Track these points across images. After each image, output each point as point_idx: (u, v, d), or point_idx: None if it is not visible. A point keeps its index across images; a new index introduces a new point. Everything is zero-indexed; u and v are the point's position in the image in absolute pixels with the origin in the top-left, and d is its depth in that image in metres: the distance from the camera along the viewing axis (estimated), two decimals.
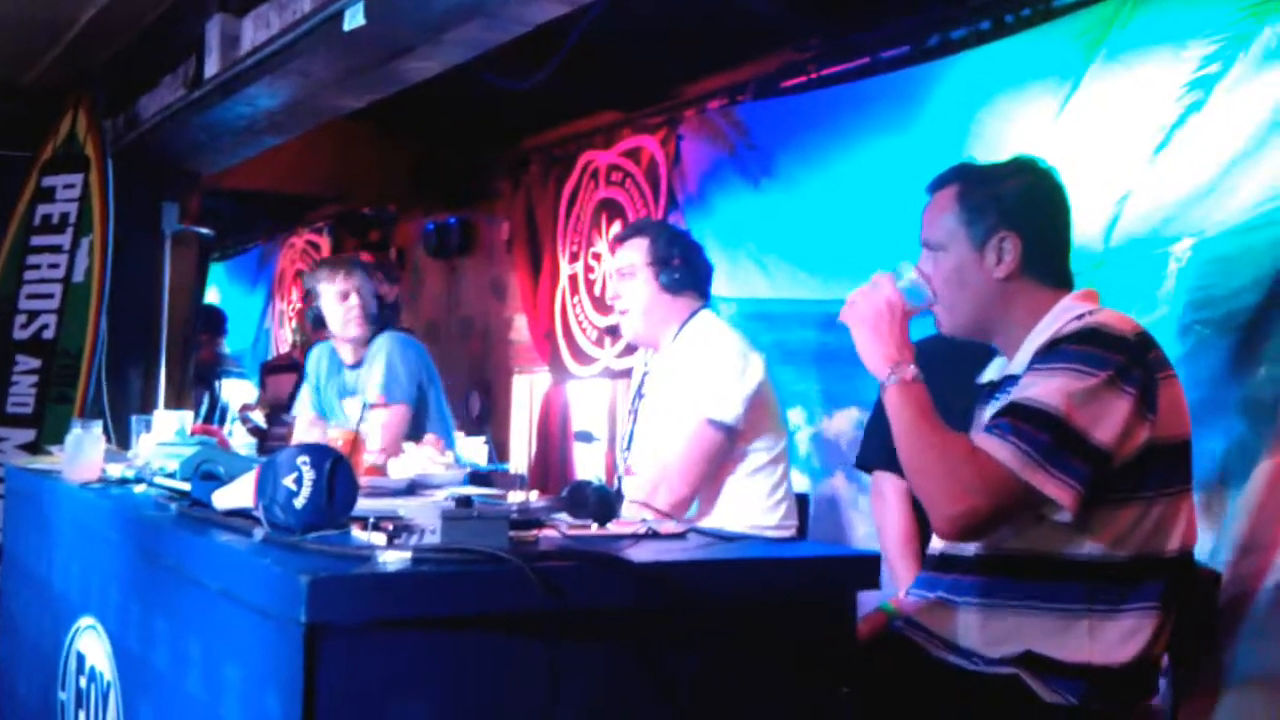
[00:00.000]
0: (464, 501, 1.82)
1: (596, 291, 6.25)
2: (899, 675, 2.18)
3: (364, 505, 2.01)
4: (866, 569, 1.97)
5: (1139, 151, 3.48)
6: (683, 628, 1.80)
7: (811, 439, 4.69)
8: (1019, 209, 2.16)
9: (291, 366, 6.56)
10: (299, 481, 1.83)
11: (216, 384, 7.55)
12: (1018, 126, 3.87)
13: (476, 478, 3.60)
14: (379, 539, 1.80)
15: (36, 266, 5.93)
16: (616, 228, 5.99)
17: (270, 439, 3.90)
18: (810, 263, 4.79)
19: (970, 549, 2.13)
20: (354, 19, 3.88)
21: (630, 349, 5.62)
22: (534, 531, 1.99)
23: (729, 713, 1.84)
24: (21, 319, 5.90)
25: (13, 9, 5.09)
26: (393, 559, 1.65)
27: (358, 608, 1.56)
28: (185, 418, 3.12)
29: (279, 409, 5.85)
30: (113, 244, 5.72)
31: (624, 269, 3.23)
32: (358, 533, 1.85)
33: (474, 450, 4.13)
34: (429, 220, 7.85)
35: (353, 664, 1.57)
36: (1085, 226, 3.34)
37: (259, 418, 4.76)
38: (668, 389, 3.17)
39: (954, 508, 1.98)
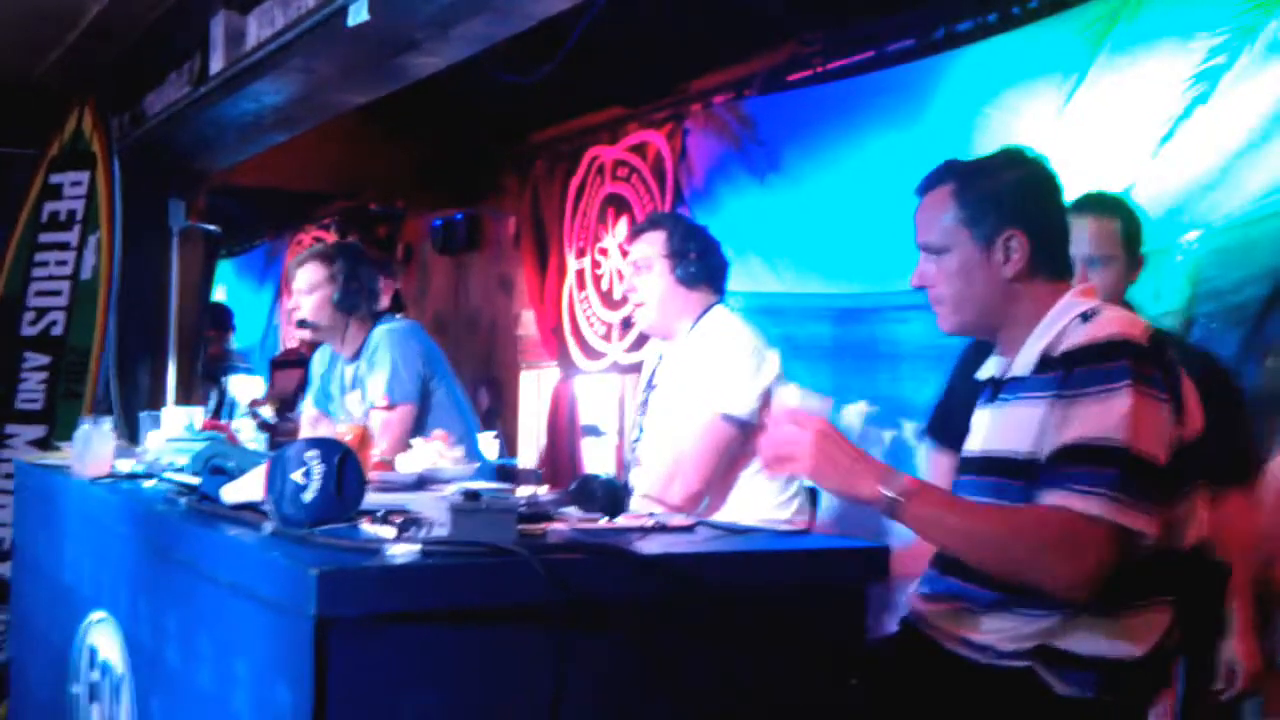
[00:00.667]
0: (472, 495, 1.82)
1: (604, 286, 6.26)
2: (910, 669, 2.17)
3: (373, 499, 2.02)
4: (876, 561, 1.98)
5: (1144, 144, 3.48)
6: (691, 620, 1.81)
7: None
8: (1021, 204, 2.12)
9: (299, 362, 6.56)
10: (308, 475, 1.84)
11: (225, 379, 7.58)
12: (1024, 119, 3.87)
13: (503, 473, 3.62)
14: (388, 532, 1.80)
15: (44, 264, 5.95)
16: (623, 223, 6.00)
17: (279, 434, 3.89)
18: (817, 257, 4.79)
19: None
20: (358, 14, 3.88)
21: (638, 344, 5.63)
22: (542, 525, 2.00)
23: (738, 704, 1.85)
24: (30, 316, 5.91)
25: (18, 6, 5.10)
26: (402, 552, 1.66)
27: (367, 600, 1.57)
28: (194, 413, 3.12)
29: (287, 404, 5.87)
30: (120, 241, 5.73)
31: (640, 261, 3.22)
32: (367, 526, 1.86)
33: (484, 445, 4.14)
34: (436, 216, 7.86)
35: (362, 656, 1.58)
36: None
37: (268, 413, 4.76)
38: (681, 383, 3.17)
39: (1068, 579, 1.93)
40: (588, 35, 4.75)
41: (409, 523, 1.84)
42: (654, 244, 3.23)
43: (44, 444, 5.43)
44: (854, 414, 4.53)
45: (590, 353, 6.39)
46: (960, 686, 2.09)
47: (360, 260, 4.13)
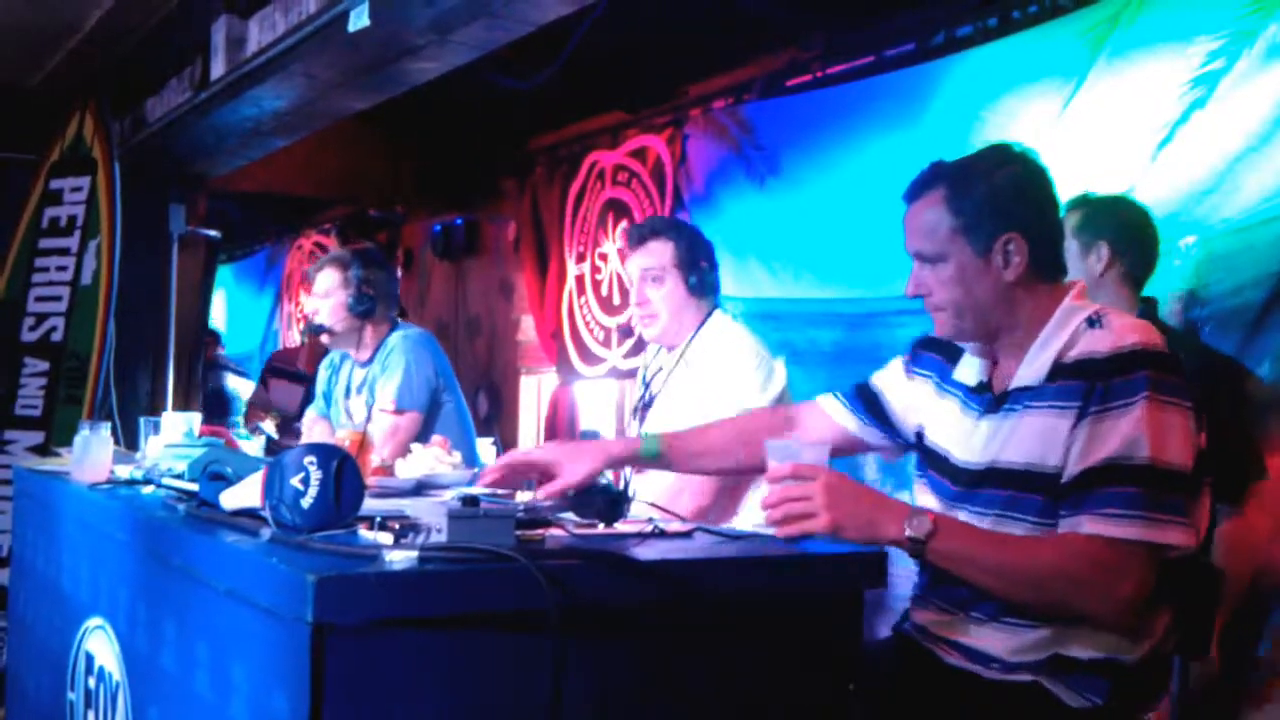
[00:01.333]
0: (470, 501, 1.82)
1: (603, 292, 6.26)
2: (910, 683, 2.14)
3: (371, 505, 2.01)
4: (872, 567, 1.97)
5: (1143, 148, 3.48)
6: (689, 626, 1.80)
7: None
8: (1017, 206, 2.06)
9: (296, 376, 6.53)
10: (306, 481, 1.84)
11: (223, 374, 7.66)
12: (1023, 123, 3.86)
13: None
14: (386, 538, 1.80)
15: (45, 269, 5.95)
16: (623, 228, 6.00)
17: (281, 448, 3.90)
18: (816, 262, 4.79)
19: None
20: (359, 20, 3.89)
21: (637, 349, 5.62)
22: (540, 531, 1.99)
23: (735, 710, 1.85)
24: (30, 321, 5.91)
25: (20, 12, 5.11)
26: (399, 558, 1.65)
27: (364, 607, 1.57)
28: (193, 419, 3.12)
29: (289, 419, 5.88)
30: (120, 246, 5.73)
31: (652, 271, 3.19)
32: (364, 532, 1.86)
33: (483, 451, 4.14)
34: (436, 221, 7.86)
35: (360, 663, 1.58)
36: None
37: (270, 428, 4.77)
38: (690, 393, 3.14)
39: (1112, 607, 1.92)
40: (587, 40, 4.76)
41: (407, 529, 1.84)
42: (664, 254, 3.20)
43: (43, 450, 5.43)
44: None
45: (589, 358, 6.39)
46: (965, 701, 2.05)
47: (375, 264, 4.15)
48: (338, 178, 7.85)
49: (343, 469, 1.86)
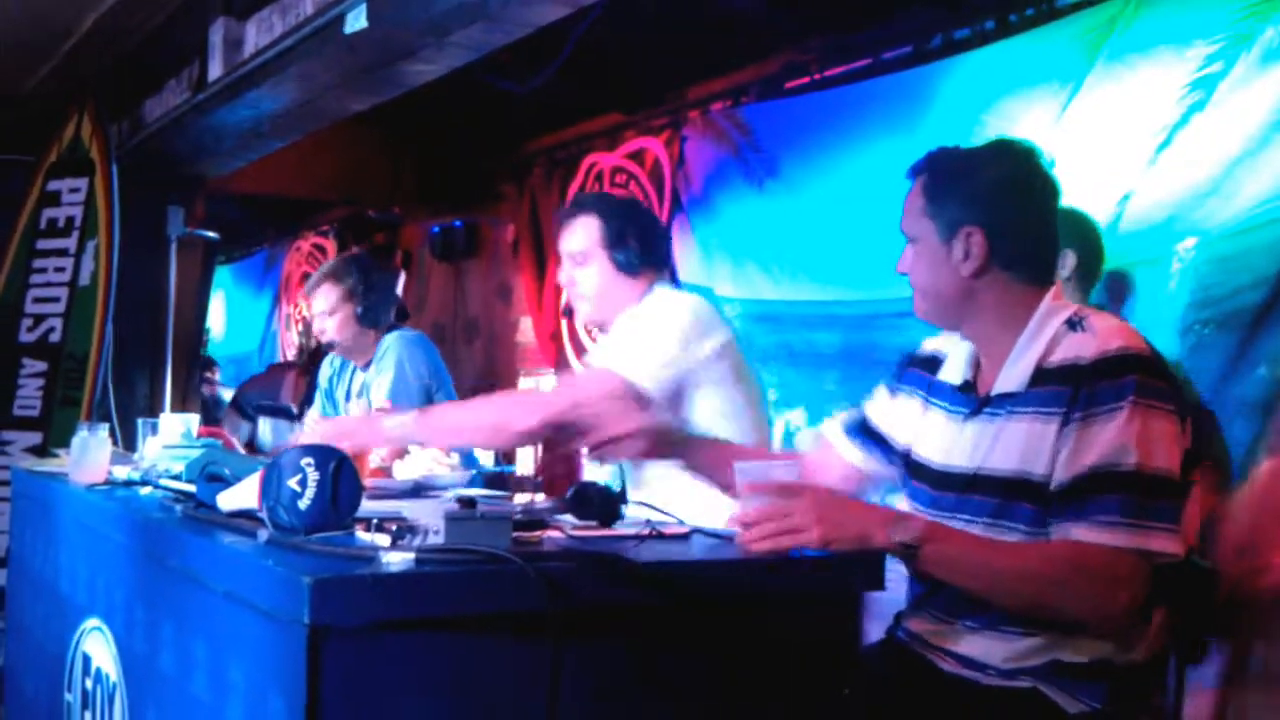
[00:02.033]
0: (467, 502, 1.82)
1: None
2: (905, 690, 2.12)
3: (368, 506, 2.01)
4: (870, 570, 1.97)
5: (1141, 151, 3.49)
6: (686, 628, 1.80)
7: (815, 439, 4.69)
8: (987, 201, 2.05)
9: (288, 413, 6.42)
10: (303, 483, 1.84)
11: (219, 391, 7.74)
12: (1021, 126, 3.87)
13: (491, 480, 3.59)
14: (383, 540, 1.80)
15: (43, 270, 5.95)
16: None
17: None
18: (815, 264, 4.80)
19: None
20: (356, 21, 3.89)
21: None
22: (538, 532, 1.99)
23: (731, 713, 1.85)
24: (28, 322, 5.91)
25: (17, 13, 5.11)
26: (396, 560, 1.65)
27: (361, 608, 1.57)
28: (191, 420, 3.12)
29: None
30: (118, 247, 5.73)
31: (575, 254, 2.99)
32: (362, 534, 1.86)
33: (480, 452, 4.14)
34: (434, 223, 7.87)
35: (357, 665, 1.58)
36: None
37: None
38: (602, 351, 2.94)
39: (1104, 613, 1.92)
40: (585, 42, 4.76)
41: (404, 530, 1.83)
42: (589, 233, 2.98)
43: (40, 451, 5.43)
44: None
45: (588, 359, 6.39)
46: (962, 707, 2.03)
47: (373, 270, 4.13)
48: (336, 179, 7.86)
49: (340, 470, 1.86)
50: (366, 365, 4.07)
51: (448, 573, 1.65)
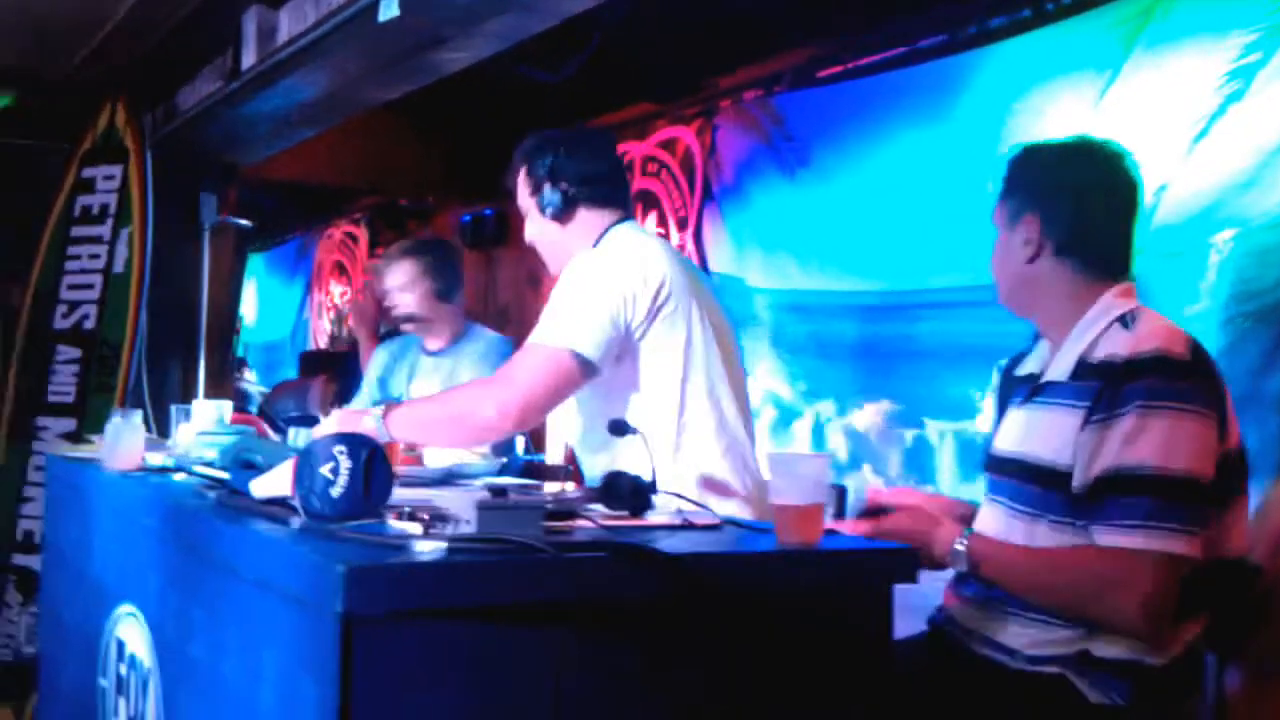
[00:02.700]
0: (499, 491, 1.82)
1: None
2: (939, 672, 2.15)
3: (399, 495, 2.02)
4: (903, 562, 1.96)
5: (1178, 142, 3.45)
6: (717, 620, 1.80)
7: (844, 430, 4.68)
8: (1045, 191, 2.12)
9: (314, 422, 6.44)
10: (336, 471, 1.84)
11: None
12: (1057, 116, 3.84)
13: (530, 469, 3.58)
14: (415, 528, 1.80)
15: (77, 257, 5.99)
16: (652, 219, 5.99)
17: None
18: (846, 254, 4.78)
19: None
20: (388, 10, 3.89)
21: None
22: (569, 522, 1.99)
23: (762, 705, 1.84)
24: (63, 309, 5.95)
25: (51, 2, 5.13)
26: (428, 549, 1.66)
27: (393, 596, 1.57)
28: (224, 407, 3.13)
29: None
30: (152, 235, 5.76)
31: (521, 208, 2.82)
32: (394, 522, 1.86)
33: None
34: (465, 212, 7.88)
35: (388, 652, 1.58)
36: None
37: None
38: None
39: (1135, 615, 1.93)
40: (616, 31, 4.75)
41: (436, 519, 1.84)
42: (522, 184, 2.78)
43: (75, 437, 5.46)
44: (875, 412, 4.52)
45: None
46: (990, 691, 2.07)
47: (451, 250, 4.30)
48: (368, 168, 7.87)
49: (373, 459, 1.87)
50: (438, 351, 4.08)
51: (480, 562, 1.65)
